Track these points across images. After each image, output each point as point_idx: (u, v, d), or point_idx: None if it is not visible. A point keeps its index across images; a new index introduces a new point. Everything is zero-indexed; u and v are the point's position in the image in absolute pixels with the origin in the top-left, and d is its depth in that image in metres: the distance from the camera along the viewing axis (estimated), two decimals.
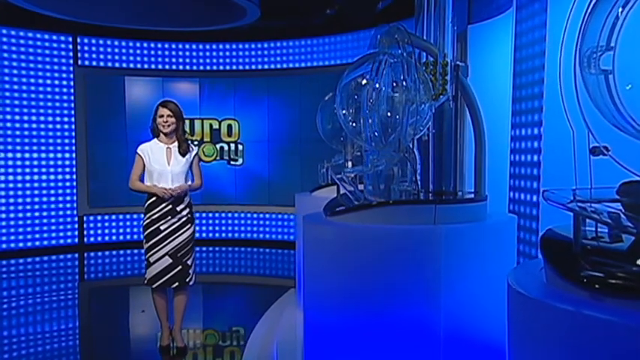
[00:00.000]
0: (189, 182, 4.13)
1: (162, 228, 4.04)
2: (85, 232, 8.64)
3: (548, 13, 3.60)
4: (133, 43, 8.72)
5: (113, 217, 8.75)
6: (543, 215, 3.68)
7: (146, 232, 4.07)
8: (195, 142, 8.48)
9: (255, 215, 8.87)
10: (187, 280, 4.12)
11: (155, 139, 4.14)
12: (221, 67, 8.85)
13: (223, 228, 8.98)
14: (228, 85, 8.87)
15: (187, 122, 8.70)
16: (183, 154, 4.09)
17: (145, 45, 8.76)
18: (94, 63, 8.64)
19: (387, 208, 2.69)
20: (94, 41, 8.61)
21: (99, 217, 8.71)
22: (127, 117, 8.72)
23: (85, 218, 8.64)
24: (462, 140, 3.66)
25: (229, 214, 8.90)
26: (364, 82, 2.87)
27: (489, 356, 2.70)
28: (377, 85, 2.88)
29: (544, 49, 3.71)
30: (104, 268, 8.22)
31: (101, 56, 8.67)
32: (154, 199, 4.05)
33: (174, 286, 4.11)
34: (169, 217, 4.05)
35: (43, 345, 4.70)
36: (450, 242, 2.55)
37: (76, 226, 8.60)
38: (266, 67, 8.72)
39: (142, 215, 4.11)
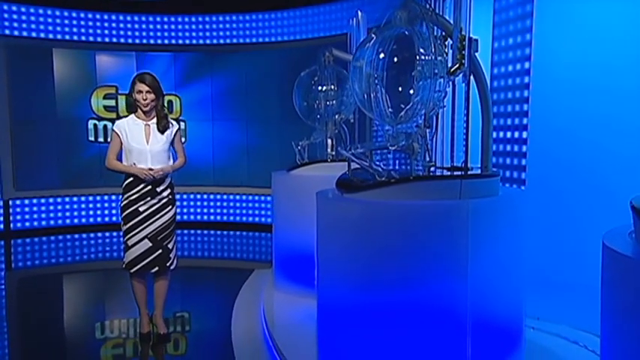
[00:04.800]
0: (171, 162, 3.88)
1: (141, 209, 3.78)
2: (12, 218, 7.94)
3: None
4: (61, 12, 8.03)
5: (42, 200, 8.10)
6: (528, 190, 3.82)
7: (124, 214, 3.79)
8: None
9: (199, 196, 8.55)
10: (168, 264, 3.89)
11: (132, 115, 3.84)
12: (159, 41, 8.36)
13: None
14: (167, 60, 8.41)
15: (122, 98, 8.28)
16: (162, 131, 3.82)
17: (75, 15, 8.09)
18: (16, 32, 7.87)
19: (411, 183, 2.67)
20: (14, 8, 7.83)
21: (26, 201, 8.03)
22: (56, 92, 8.07)
23: (10, 202, 7.94)
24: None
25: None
26: (382, 55, 2.81)
27: (516, 332, 2.77)
28: (395, 59, 2.84)
29: (530, 25, 3.80)
30: (34, 255, 7.63)
31: (24, 25, 7.90)
32: (132, 178, 3.77)
33: (154, 270, 3.88)
34: (149, 199, 3.79)
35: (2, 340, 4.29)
36: (476, 216, 2.56)
37: (1, 211, 7.88)
38: (208, 42, 8.35)
39: (120, 196, 3.82)
